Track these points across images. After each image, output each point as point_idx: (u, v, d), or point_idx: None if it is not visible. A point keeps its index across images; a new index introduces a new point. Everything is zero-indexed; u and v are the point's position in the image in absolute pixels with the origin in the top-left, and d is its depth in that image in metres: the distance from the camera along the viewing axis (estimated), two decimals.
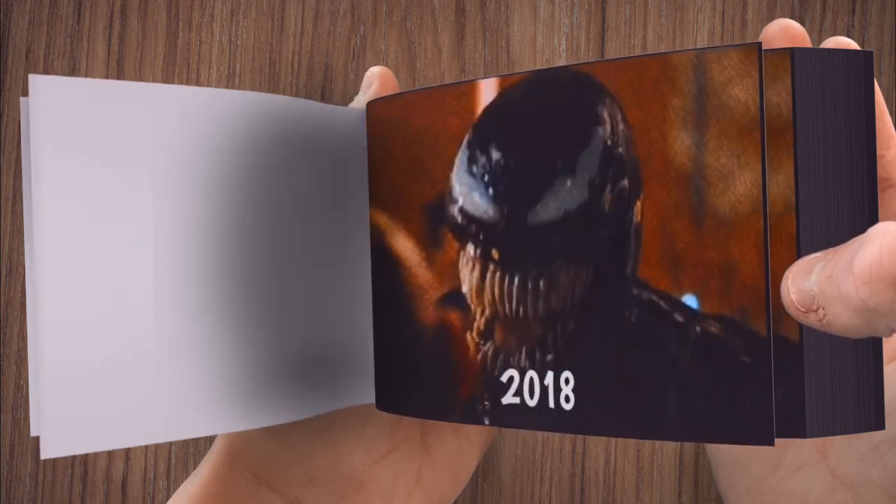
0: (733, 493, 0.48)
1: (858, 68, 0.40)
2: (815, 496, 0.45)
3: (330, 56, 0.58)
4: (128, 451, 0.58)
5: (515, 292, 0.44)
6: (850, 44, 0.42)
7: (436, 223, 0.47)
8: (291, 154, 0.48)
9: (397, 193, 0.48)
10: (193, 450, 0.58)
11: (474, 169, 0.45)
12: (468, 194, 0.45)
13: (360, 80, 0.58)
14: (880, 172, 0.44)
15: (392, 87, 0.53)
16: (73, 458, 0.58)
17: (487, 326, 0.45)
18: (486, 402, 0.45)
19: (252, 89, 0.58)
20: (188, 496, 0.49)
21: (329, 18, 0.58)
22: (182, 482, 0.56)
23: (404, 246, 0.48)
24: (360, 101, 0.53)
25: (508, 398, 0.45)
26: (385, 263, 0.49)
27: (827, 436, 0.40)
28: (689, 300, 0.40)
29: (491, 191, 0.45)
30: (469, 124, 0.45)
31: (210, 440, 0.58)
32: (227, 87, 0.58)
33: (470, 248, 0.45)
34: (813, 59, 0.39)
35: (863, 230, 0.40)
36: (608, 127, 0.42)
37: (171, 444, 0.58)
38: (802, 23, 0.58)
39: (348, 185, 0.50)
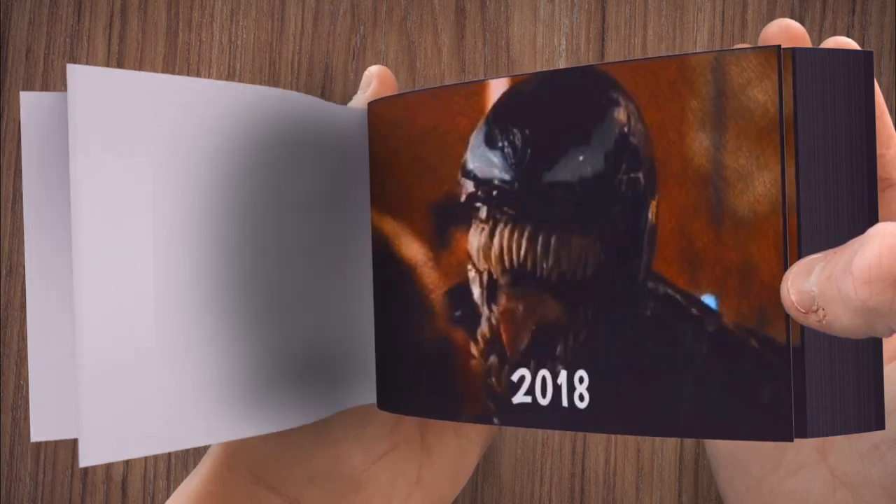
0: (733, 493, 0.48)
1: (858, 68, 0.40)
2: (815, 496, 0.45)
3: (330, 56, 0.58)
4: None
5: (525, 243, 0.44)
6: (850, 44, 0.42)
7: (443, 223, 0.46)
8: (292, 154, 0.48)
9: (402, 194, 0.48)
10: (193, 450, 0.58)
11: (491, 140, 0.45)
12: (483, 163, 0.45)
13: (360, 81, 0.58)
14: (880, 172, 0.44)
15: (391, 87, 0.53)
16: (73, 458, 0.58)
17: (491, 292, 0.45)
18: (496, 402, 0.45)
19: None
20: (187, 496, 0.49)
21: (329, 18, 0.58)
22: (182, 482, 0.56)
23: (410, 247, 0.48)
24: (358, 101, 0.53)
25: (519, 397, 0.44)
26: (389, 265, 0.49)
27: (827, 436, 0.40)
28: (709, 300, 0.40)
29: (508, 156, 0.45)
30: (478, 123, 0.45)
31: None
32: None
33: (483, 212, 0.45)
34: (813, 59, 0.39)
35: (863, 230, 0.40)
36: (625, 114, 0.42)
37: None
38: (802, 23, 0.58)
39: (349, 185, 0.50)
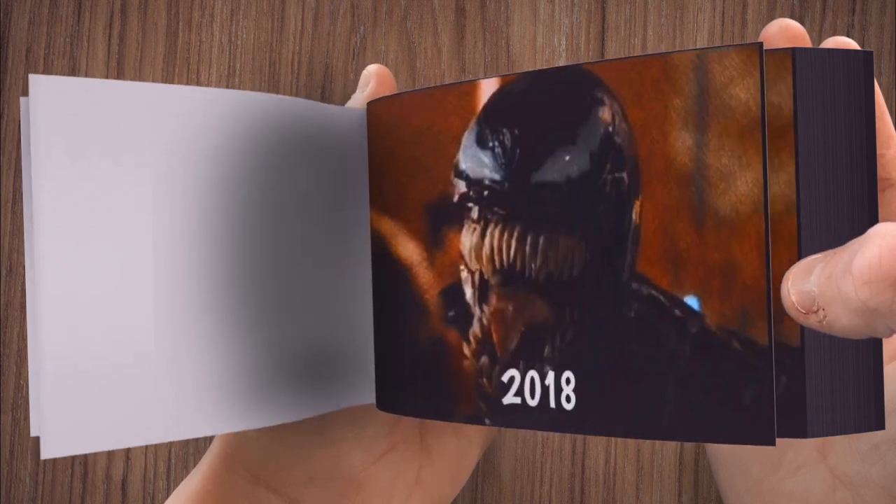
0: (733, 493, 0.48)
1: (858, 68, 0.40)
2: (815, 496, 0.45)
3: (330, 56, 0.58)
4: (128, 451, 0.58)
5: (514, 243, 0.44)
6: (850, 44, 0.42)
7: (437, 223, 0.47)
8: (291, 154, 0.48)
9: (398, 194, 0.48)
10: (193, 450, 0.58)
11: (482, 140, 0.45)
12: (475, 163, 0.45)
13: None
14: (880, 172, 0.44)
15: (389, 86, 0.53)
16: (73, 458, 0.58)
17: (483, 293, 0.45)
18: (487, 403, 0.45)
19: (252, 89, 0.58)
20: (186, 496, 0.49)
21: (329, 18, 0.58)
22: (182, 482, 0.56)
23: (405, 247, 0.48)
24: (357, 100, 0.53)
25: (509, 398, 0.44)
26: (387, 265, 0.49)
27: (827, 436, 0.40)
28: (691, 301, 0.40)
29: (498, 157, 0.45)
30: (469, 123, 0.45)
31: (210, 440, 0.58)
32: (227, 87, 0.58)
33: (474, 212, 0.45)
34: (813, 59, 0.39)
35: (863, 230, 0.40)
36: (609, 113, 0.42)
37: (170, 443, 0.58)
38: (802, 23, 0.58)
39: (348, 185, 0.50)
